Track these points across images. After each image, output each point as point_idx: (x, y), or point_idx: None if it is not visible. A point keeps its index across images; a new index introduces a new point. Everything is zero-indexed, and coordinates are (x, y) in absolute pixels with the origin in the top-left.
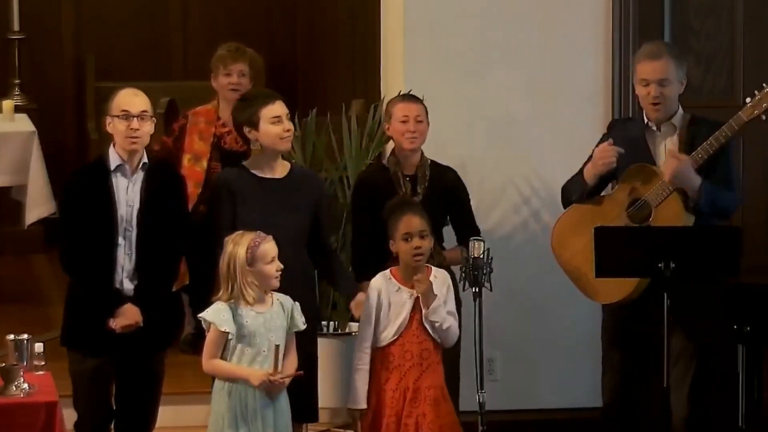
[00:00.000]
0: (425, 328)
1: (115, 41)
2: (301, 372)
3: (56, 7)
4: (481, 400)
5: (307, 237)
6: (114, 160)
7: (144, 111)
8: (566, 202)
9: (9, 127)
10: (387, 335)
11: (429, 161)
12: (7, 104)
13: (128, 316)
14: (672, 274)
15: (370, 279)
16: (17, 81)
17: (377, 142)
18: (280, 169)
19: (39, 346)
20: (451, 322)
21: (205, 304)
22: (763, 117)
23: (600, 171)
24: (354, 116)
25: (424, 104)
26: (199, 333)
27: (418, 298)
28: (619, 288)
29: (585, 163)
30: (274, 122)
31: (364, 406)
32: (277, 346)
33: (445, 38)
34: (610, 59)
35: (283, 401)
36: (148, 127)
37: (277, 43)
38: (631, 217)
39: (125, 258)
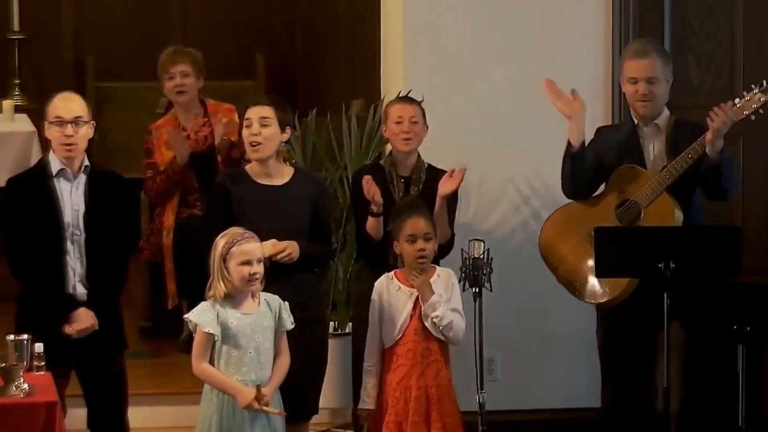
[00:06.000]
0: (427, 326)
1: (115, 41)
2: (284, 413)
3: (56, 7)
4: (481, 400)
5: (305, 240)
6: (55, 164)
7: (78, 116)
8: (566, 183)
9: (9, 127)
10: (392, 336)
11: (426, 165)
12: (7, 104)
13: (83, 320)
14: (672, 274)
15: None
16: (17, 81)
17: (377, 142)
18: (279, 176)
19: (39, 346)
20: (452, 318)
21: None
22: (752, 117)
23: (577, 120)
24: (354, 116)
25: (420, 106)
26: None
27: (419, 297)
28: (610, 287)
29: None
30: (246, 125)
31: (371, 406)
32: (258, 386)
33: (445, 38)
34: (610, 59)
35: (275, 402)
36: (83, 132)
37: (277, 43)
38: (620, 218)
39: (76, 262)
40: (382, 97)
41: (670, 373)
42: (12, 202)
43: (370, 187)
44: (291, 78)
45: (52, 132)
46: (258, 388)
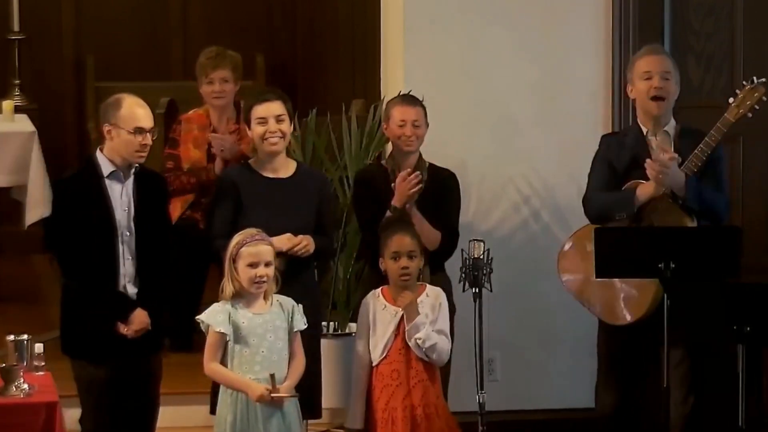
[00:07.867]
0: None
1: (115, 41)
2: (297, 394)
3: (56, 7)
4: (481, 400)
5: (312, 234)
6: (106, 165)
7: (153, 127)
8: (598, 216)
9: (9, 127)
10: (377, 354)
11: (427, 164)
12: (7, 104)
13: (140, 321)
14: (672, 274)
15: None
16: (17, 81)
17: (377, 142)
18: (284, 169)
19: (39, 346)
20: (436, 340)
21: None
22: (749, 115)
23: (666, 184)
24: (354, 116)
25: (423, 106)
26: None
27: (403, 316)
28: (636, 307)
29: (592, 173)
30: (260, 123)
31: (360, 426)
32: (272, 375)
33: (446, 38)
34: (610, 59)
35: (291, 404)
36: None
37: (277, 43)
38: None
39: (126, 262)
40: (382, 97)
41: (670, 377)
42: (63, 204)
43: (415, 180)
44: (291, 78)
45: (125, 138)
46: (272, 376)
